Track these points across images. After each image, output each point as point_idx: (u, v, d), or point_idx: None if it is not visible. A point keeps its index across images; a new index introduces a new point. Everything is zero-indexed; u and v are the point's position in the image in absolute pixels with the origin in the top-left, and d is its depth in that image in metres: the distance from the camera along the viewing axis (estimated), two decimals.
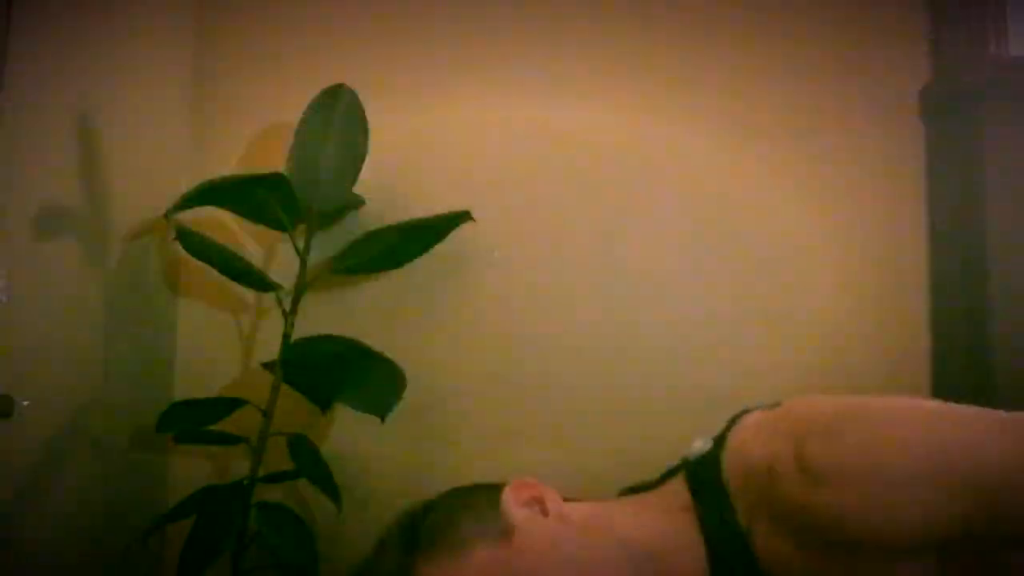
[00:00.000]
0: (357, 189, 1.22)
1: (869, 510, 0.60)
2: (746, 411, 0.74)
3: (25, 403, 0.97)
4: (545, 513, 0.74)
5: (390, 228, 1.21)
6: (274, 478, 1.19)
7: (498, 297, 1.32)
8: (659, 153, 1.33)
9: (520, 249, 1.32)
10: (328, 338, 1.19)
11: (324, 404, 1.26)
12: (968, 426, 0.63)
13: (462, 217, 1.20)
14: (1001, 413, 0.64)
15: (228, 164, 1.36)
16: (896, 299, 1.29)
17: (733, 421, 0.74)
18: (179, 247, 1.13)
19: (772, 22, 1.35)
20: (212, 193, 1.13)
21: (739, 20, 1.35)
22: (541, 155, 1.34)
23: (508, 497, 0.75)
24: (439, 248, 1.22)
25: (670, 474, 0.77)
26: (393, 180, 1.32)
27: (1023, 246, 1.18)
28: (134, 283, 1.25)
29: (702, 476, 0.71)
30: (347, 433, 1.30)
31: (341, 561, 1.27)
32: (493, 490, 0.77)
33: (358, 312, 1.32)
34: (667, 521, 0.72)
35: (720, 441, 0.73)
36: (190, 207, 1.09)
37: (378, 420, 1.12)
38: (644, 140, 1.33)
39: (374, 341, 1.19)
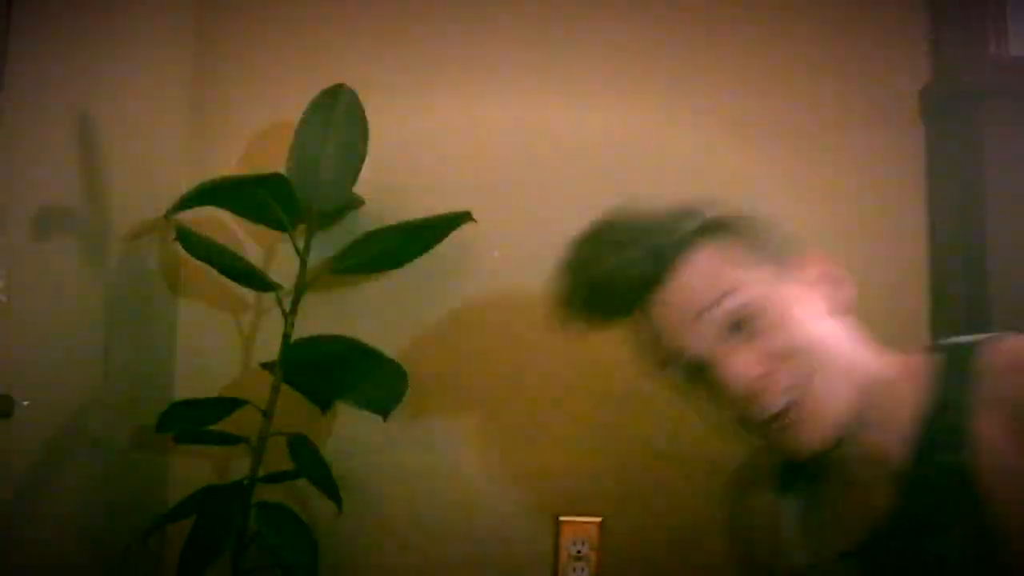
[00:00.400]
0: (357, 189, 1.22)
1: None
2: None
3: (25, 403, 0.97)
4: (834, 290, 0.82)
5: (390, 228, 1.21)
6: (274, 478, 1.19)
7: (498, 297, 1.32)
8: (659, 153, 1.33)
9: (520, 249, 1.32)
10: (328, 338, 1.19)
11: (324, 404, 1.26)
12: None
13: (462, 217, 1.20)
14: None
15: (228, 164, 1.36)
16: (896, 299, 1.29)
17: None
18: (179, 247, 1.13)
19: (772, 22, 1.35)
20: (212, 193, 1.13)
21: (739, 20, 1.35)
22: (541, 155, 1.34)
23: (811, 255, 0.84)
24: (439, 248, 1.22)
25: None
26: (393, 180, 1.32)
27: (1023, 246, 1.18)
28: (134, 283, 1.25)
29: (957, 352, 0.75)
30: (347, 433, 1.30)
31: (341, 561, 1.27)
32: None
33: (358, 312, 1.32)
34: (906, 365, 0.78)
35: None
36: (190, 207, 1.09)
37: (378, 420, 1.13)
38: (644, 140, 1.33)
39: (374, 341, 1.19)
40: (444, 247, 1.22)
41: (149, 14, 1.27)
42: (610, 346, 1.31)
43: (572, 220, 1.34)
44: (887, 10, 1.34)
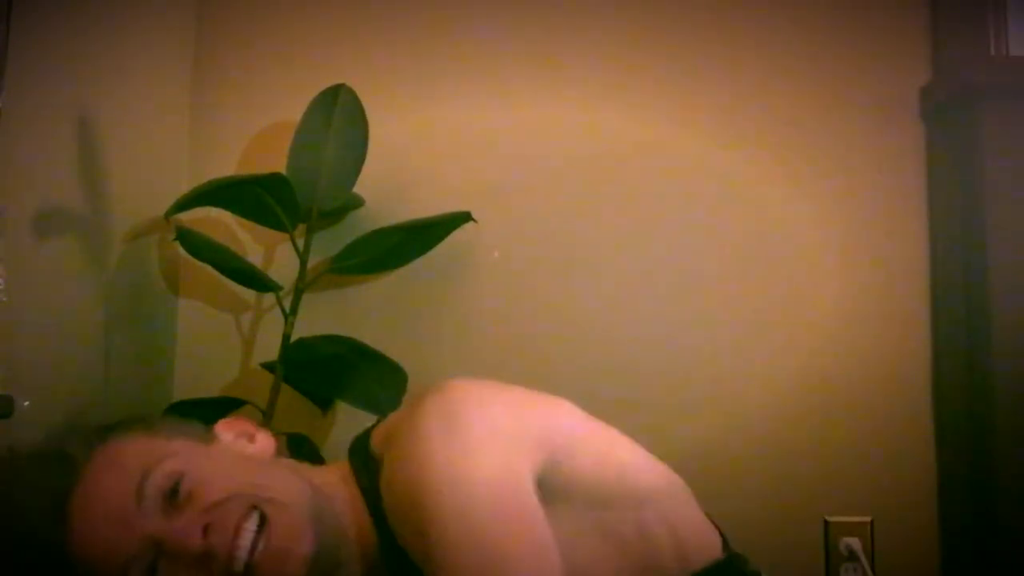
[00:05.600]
0: (357, 189, 1.22)
1: None
2: None
3: (25, 403, 0.97)
4: (252, 442, 0.79)
5: (390, 229, 1.21)
6: None
7: (498, 298, 1.32)
8: (658, 153, 1.33)
9: (520, 249, 1.32)
10: (328, 338, 1.19)
11: (324, 404, 1.26)
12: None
13: (462, 218, 1.20)
14: None
15: (228, 164, 1.36)
16: (896, 299, 1.29)
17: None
18: (179, 247, 1.13)
19: (772, 22, 1.35)
20: (212, 194, 1.13)
21: (739, 20, 1.35)
22: (541, 156, 1.34)
23: (220, 423, 0.80)
24: (439, 249, 1.22)
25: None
26: (393, 180, 1.32)
27: (1023, 246, 1.18)
28: (134, 283, 1.25)
29: (357, 446, 0.79)
30: (347, 433, 1.29)
31: None
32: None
33: (358, 312, 1.32)
34: (338, 478, 0.78)
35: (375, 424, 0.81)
36: (190, 208, 1.09)
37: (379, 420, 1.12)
38: (644, 140, 1.33)
39: (374, 341, 1.19)
40: (444, 247, 1.22)
41: (149, 14, 1.27)
42: (609, 346, 1.32)
43: (571, 220, 1.35)
44: (887, 10, 1.33)
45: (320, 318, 1.27)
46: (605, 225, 1.32)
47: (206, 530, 0.67)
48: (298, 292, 1.19)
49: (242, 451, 0.77)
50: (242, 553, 0.67)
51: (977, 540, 1.19)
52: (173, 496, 0.69)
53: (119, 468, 0.71)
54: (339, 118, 1.19)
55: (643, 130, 1.34)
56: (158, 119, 1.30)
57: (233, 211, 1.26)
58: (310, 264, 1.19)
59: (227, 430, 0.79)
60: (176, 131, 1.35)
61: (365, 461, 0.77)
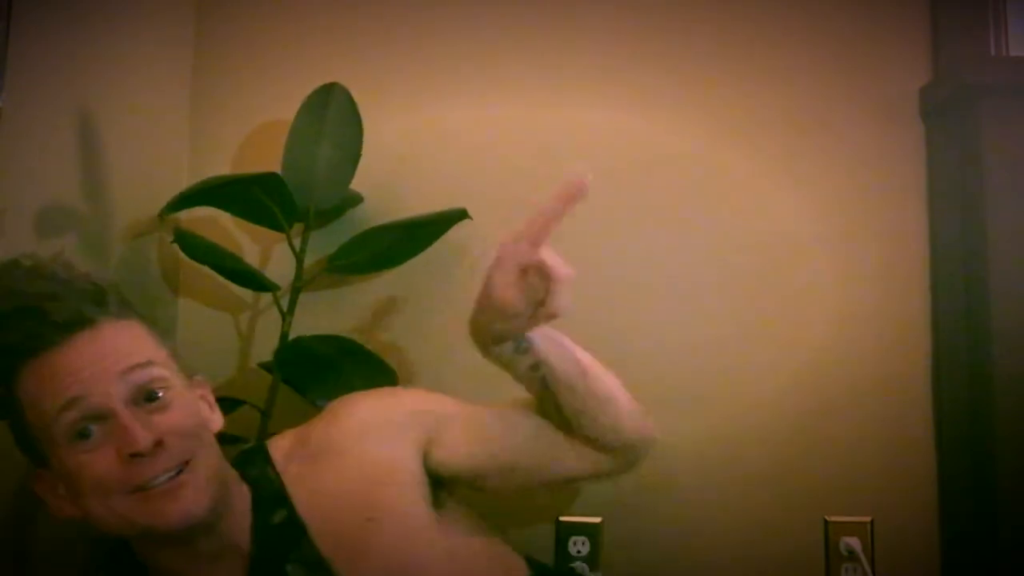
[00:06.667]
0: (353, 188, 1.22)
1: None
2: None
3: None
4: (211, 411, 0.86)
5: (387, 227, 1.21)
6: None
7: None
8: (658, 153, 1.33)
9: None
10: (325, 338, 1.19)
11: (319, 403, 1.26)
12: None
13: (458, 215, 1.20)
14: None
15: (226, 164, 1.36)
16: (896, 298, 1.29)
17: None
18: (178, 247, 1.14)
19: (772, 22, 1.34)
20: (207, 193, 1.13)
21: (738, 20, 1.35)
22: (538, 154, 1.33)
23: (198, 377, 0.87)
24: (436, 247, 1.22)
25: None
26: (390, 179, 1.32)
27: (1023, 246, 1.18)
28: (134, 283, 1.25)
29: (249, 454, 0.89)
30: None
31: None
32: None
33: (355, 311, 1.32)
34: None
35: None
36: (185, 207, 1.10)
37: None
38: (642, 139, 1.33)
39: (371, 340, 1.20)
40: (440, 246, 1.22)
41: (149, 14, 1.28)
42: (606, 345, 1.31)
43: (568, 219, 1.34)
44: (887, 10, 1.33)
45: (318, 317, 1.27)
46: (602, 223, 1.32)
47: (156, 444, 0.73)
48: (295, 291, 1.19)
49: (203, 409, 0.84)
50: (155, 480, 0.74)
51: (977, 540, 1.18)
52: (148, 398, 0.75)
53: (128, 338, 0.77)
54: (333, 117, 1.19)
55: (642, 130, 1.33)
56: (158, 119, 1.31)
57: (229, 211, 1.26)
58: (307, 263, 1.20)
59: (201, 386, 0.86)
60: (176, 131, 1.35)
61: (259, 460, 0.87)
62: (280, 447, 0.89)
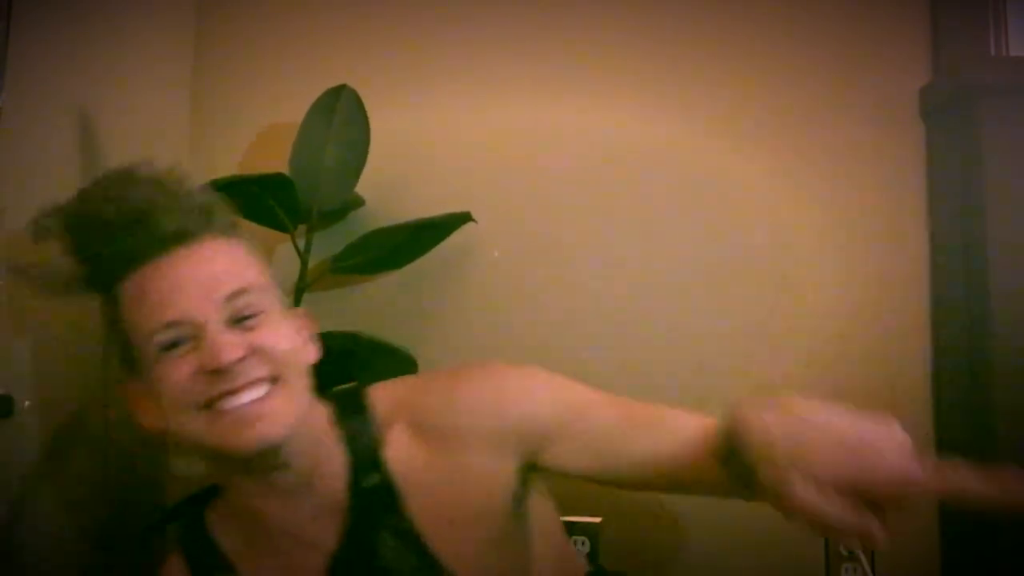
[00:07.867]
0: (358, 189, 1.22)
1: None
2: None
3: (26, 403, 0.97)
4: (305, 344, 0.82)
5: (391, 229, 1.21)
6: None
7: (498, 298, 1.32)
8: (658, 153, 1.33)
9: (520, 249, 1.32)
10: (330, 335, 1.19)
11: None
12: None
13: (463, 218, 1.20)
14: None
15: (229, 165, 1.36)
16: (896, 299, 1.29)
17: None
18: None
19: (772, 22, 1.35)
20: None
21: (739, 20, 1.35)
22: (541, 156, 1.34)
23: (301, 310, 0.86)
24: (439, 248, 1.22)
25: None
26: (394, 181, 1.32)
27: (1023, 246, 1.18)
28: None
29: (346, 399, 0.84)
30: None
31: None
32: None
33: (358, 312, 1.32)
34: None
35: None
36: None
37: None
38: (644, 140, 1.33)
39: None
40: (444, 247, 1.23)
41: (149, 14, 1.27)
42: (610, 347, 1.32)
43: (571, 220, 1.35)
44: (887, 10, 1.33)
45: (321, 318, 1.26)
46: (604, 224, 1.32)
47: (240, 360, 0.71)
48: (299, 292, 1.19)
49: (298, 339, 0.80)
50: (238, 400, 0.72)
51: (977, 540, 1.19)
52: (243, 319, 0.74)
53: (230, 260, 0.76)
54: (340, 119, 1.19)
55: (643, 130, 1.34)
56: (158, 119, 1.31)
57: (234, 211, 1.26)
58: (311, 264, 1.19)
59: (302, 318, 0.83)
60: (177, 131, 1.35)
61: (359, 413, 0.82)
62: (384, 401, 0.83)
